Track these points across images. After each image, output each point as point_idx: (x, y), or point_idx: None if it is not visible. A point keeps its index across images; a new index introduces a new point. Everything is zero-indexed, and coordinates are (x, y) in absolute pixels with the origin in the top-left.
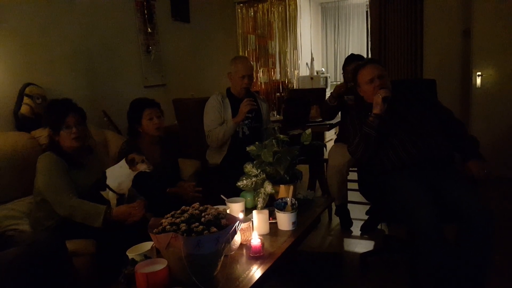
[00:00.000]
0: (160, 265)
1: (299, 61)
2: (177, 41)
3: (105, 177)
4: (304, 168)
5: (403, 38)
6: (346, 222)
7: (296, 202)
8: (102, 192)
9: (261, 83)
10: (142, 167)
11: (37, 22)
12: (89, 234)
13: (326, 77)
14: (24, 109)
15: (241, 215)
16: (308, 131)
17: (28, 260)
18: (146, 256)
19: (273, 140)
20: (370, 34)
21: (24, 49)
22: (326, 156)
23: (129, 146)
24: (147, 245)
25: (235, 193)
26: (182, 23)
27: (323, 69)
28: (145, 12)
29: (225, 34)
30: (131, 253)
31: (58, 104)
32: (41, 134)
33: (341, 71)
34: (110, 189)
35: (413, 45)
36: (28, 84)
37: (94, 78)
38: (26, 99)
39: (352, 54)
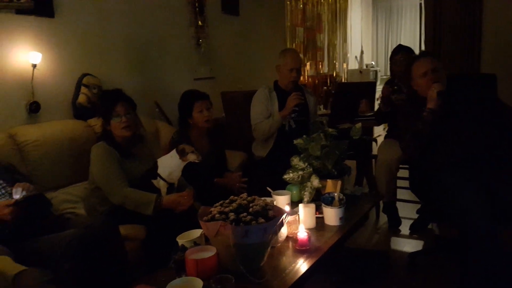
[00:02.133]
0: (209, 252)
1: (348, 54)
2: (226, 34)
3: (156, 167)
4: (351, 164)
5: (459, 30)
6: (394, 220)
7: (344, 198)
8: (153, 181)
9: (308, 76)
10: (192, 157)
11: (94, 15)
12: (140, 220)
13: (376, 71)
14: (81, 98)
15: (287, 208)
16: (358, 125)
17: (84, 241)
18: (195, 243)
19: (321, 134)
20: (424, 26)
21: (81, 40)
22: (374, 151)
23: (180, 137)
24: (196, 233)
25: (281, 186)
26: (231, 16)
27: (373, 62)
28: (196, 5)
29: (273, 27)
30: (181, 240)
31: (108, 94)
32: (96, 123)
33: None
34: (161, 178)
35: (470, 37)
36: (85, 75)
37: (147, 69)
38: (83, 89)
39: (400, 45)
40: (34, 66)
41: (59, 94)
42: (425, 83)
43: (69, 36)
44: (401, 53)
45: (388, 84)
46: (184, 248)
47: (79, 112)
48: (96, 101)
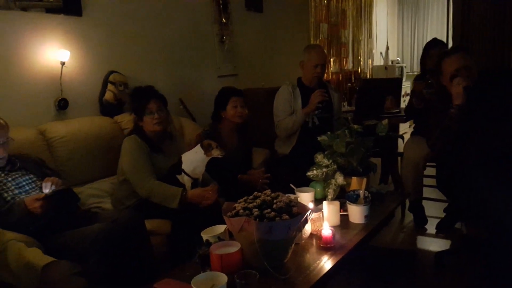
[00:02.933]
0: (234, 247)
1: (373, 50)
2: (249, 31)
3: (180, 162)
4: (376, 161)
5: (489, 24)
6: (421, 219)
7: (370, 195)
8: (178, 176)
9: (332, 72)
10: (216, 153)
11: (120, 13)
12: (165, 214)
13: (402, 67)
14: (108, 95)
15: (310, 205)
16: (385, 121)
17: (111, 235)
18: (219, 238)
19: (346, 130)
20: (452, 21)
21: (108, 38)
22: (400, 149)
23: (211, 130)
24: (220, 228)
25: (304, 183)
26: (255, 13)
27: (398, 58)
28: (220, 2)
29: (297, 23)
30: (205, 235)
31: (141, 91)
32: (123, 119)
33: (418, 58)
34: (186, 173)
35: (500, 32)
36: (111, 72)
37: (172, 67)
38: (110, 86)
39: (435, 39)
40: (63, 63)
41: (86, 91)
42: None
43: (96, 34)
44: (438, 47)
45: (419, 79)
46: (208, 243)
47: (106, 109)
48: (123, 98)
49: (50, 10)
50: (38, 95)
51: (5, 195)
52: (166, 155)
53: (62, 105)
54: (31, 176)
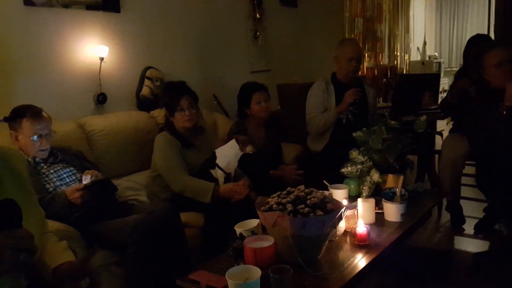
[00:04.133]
0: (267, 242)
1: (410, 45)
2: (283, 26)
3: (215, 157)
4: (412, 159)
5: None
6: (458, 219)
7: (406, 193)
8: (211, 171)
9: (367, 68)
10: (248, 148)
11: (157, 10)
12: (198, 208)
13: (439, 63)
14: (144, 90)
15: (345, 202)
16: (423, 117)
17: (147, 226)
18: (253, 232)
19: (383, 127)
20: (495, 14)
21: (145, 35)
22: (438, 146)
23: (238, 128)
24: (253, 222)
25: (337, 180)
26: (289, 7)
27: (436, 53)
28: None
29: (331, 18)
30: (238, 228)
31: (173, 87)
32: (159, 114)
33: (456, 53)
34: (220, 168)
35: None
36: (148, 68)
37: (206, 62)
38: (146, 81)
39: (478, 34)
40: (102, 59)
41: (124, 86)
42: (500, 74)
43: (133, 30)
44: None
45: (460, 74)
46: (242, 237)
47: (143, 104)
48: (160, 93)
49: (90, 6)
50: (78, 90)
51: (48, 186)
52: (198, 150)
53: (101, 99)
54: (72, 168)
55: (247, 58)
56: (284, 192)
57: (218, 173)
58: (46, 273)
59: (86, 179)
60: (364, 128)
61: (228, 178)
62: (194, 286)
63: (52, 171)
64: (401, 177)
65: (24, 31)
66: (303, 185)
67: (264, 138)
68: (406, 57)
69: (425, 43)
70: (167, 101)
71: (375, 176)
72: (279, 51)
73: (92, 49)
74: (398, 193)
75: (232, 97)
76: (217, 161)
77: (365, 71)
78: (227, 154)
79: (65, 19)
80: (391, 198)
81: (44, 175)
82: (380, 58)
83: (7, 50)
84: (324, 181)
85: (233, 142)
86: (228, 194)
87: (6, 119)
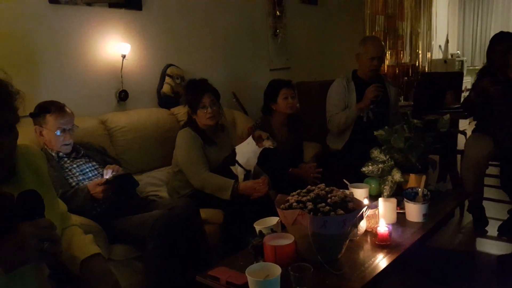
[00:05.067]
0: (287, 240)
1: (432, 43)
2: (303, 23)
3: (234, 154)
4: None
5: None
6: (481, 220)
7: (429, 193)
8: (232, 167)
9: (388, 66)
10: (267, 143)
11: (178, 8)
12: (217, 204)
13: (462, 61)
14: (165, 88)
15: (365, 202)
16: (447, 116)
17: (168, 222)
18: (272, 229)
19: (405, 125)
20: None
21: (166, 32)
22: (460, 146)
23: (263, 122)
24: (272, 220)
25: (357, 179)
26: (309, 5)
27: (458, 52)
28: None
29: (352, 15)
30: (258, 226)
31: (195, 84)
32: (179, 111)
33: (480, 52)
34: (239, 164)
35: None
36: (169, 65)
37: (225, 60)
38: (167, 79)
39: (502, 32)
40: (124, 56)
41: (145, 83)
42: None
43: (154, 28)
44: (505, 41)
45: (483, 73)
46: (262, 234)
47: (163, 101)
48: (180, 91)
49: (113, 4)
50: (101, 87)
51: (70, 180)
52: (219, 147)
53: (123, 96)
54: (94, 163)
55: (267, 56)
56: (304, 190)
57: (238, 170)
58: (73, 265)
59: (108, 174)
60: (386, 127)
61: (247, 175)
62: (214, 282)
63: (75, 165)
64: (424, 177)
65: (49, 29)
66: (324, 184)
67: (286, 135)
68: (428, 55)
69: (447, 41)
70: (189, 99)
71: (397, 175)
72: (298, 49)
73: (115, 46)
74: (420, 193)
75: (252, 94)
76: (237, 158)
77: (386, 69)
78: (246, 150)
79: (88, 16)
80: (413, 198)
81: (67, 170)
82: (401, 56)
83: (33, 47)
84: (344, 180)
85: (250, 139)
86: (248, 191)
87: (32, 115)
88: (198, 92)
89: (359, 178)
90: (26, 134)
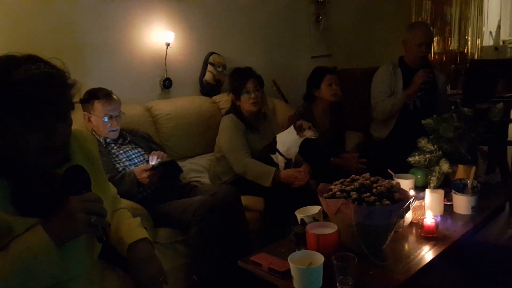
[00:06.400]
0: (330, 229)
1: (483, 29)
2: (346, 9)
3: (275, 142)
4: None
5: None
6: None
7: (479, 185)
8: (272, 156)
9: (435, 53)
10: (309, 133)
11: None
12: (258, 192)
13: None
14: (207, 76)
15: (411, 193)
16: (500, 105)
17: (210, 207)
18: (314, 218)
19: (454, 114)
20: None
21: (208, 21)
22: (511, 137)
23: (305, 110)
24: (314, 209)
25: (401, 169)
26: None
27: (511, 38)
28: None
29: (397, 1)
30: (299, 214)
31: (240, 71)
32: (221, 99)
33: None
34: (280, 153)
35: None
36: (211, 53)
37: (266, 48)
38: (209, 67)
39: None
40: (168, 44)
41: (188, 71)
42: None
43: (197, 16)
44: None
45: None
46: (304, 222)
47: (205, 89)
48: (222, 79)
49: None
50: (146, 74)
51: (117, 165)
52: (261, 135)
53: (167, 84)
54: (140, 150)
55: (308, 43)
56: (348, 179)
57: (278, 158)
58: (122, 247)
59: (153, 160)
60: (435, 116)
61: (288, 164)
62: (256, 268)
63: (121, 151)
64: (473, 168)
65: (96, 19)
66: (369, 173)
67: (328, 124)
68: (478, 42)
69: (499, 27)
70: (234, 85)
71: (445, 166)
72: (341, 36)
73: (159, 35)
74: (469, 185)
75: (292, 83)
76: (278, 146)
77: (433, 56)
78: (287, 139)
79: (133, 6)
80: (461, 189)
81: (114, 155)
82: (449, 43)
83: (81, 36)
84: (389, 170)
85: (291, 128)
86: (289, 180)
87: (81, 101)
88: (243, 78)
89: (403, 169)
90: (75, 120)
